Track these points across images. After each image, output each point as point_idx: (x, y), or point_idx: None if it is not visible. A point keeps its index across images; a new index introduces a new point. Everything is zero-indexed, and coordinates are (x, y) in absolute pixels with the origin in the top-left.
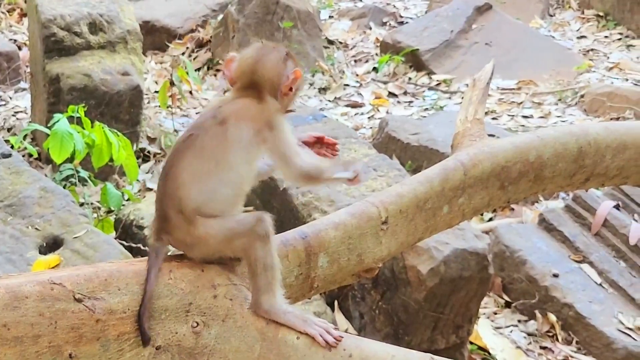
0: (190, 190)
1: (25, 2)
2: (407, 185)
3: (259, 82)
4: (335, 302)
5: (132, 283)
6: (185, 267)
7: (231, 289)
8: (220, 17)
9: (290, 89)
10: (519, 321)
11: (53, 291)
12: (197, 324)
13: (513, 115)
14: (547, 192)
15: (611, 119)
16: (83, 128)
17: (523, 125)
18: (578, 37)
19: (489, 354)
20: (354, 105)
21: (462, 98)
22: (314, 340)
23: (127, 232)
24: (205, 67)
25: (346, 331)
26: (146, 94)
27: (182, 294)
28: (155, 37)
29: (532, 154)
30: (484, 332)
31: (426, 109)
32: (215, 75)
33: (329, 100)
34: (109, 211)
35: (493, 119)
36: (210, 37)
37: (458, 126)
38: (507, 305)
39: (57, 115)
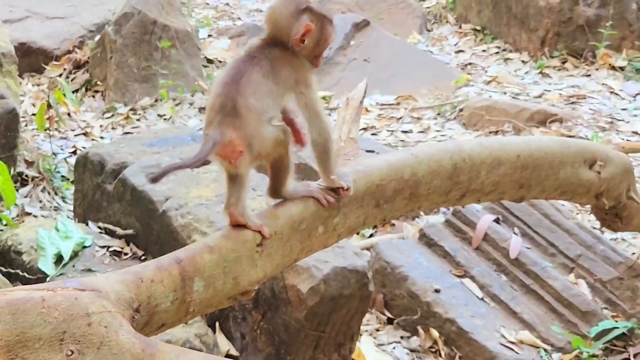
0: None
1: None
2: (282, 206)
3: (277, 34)
4: (217, 324)
5: (5, 313)
6: (59, 295)
7: (106, 316)
8: (97, 37)
9: (303, 41)
10: (402, 337)
11: None
12: (72, 352)
13: (392, 131)
14: (423, 209)
15: (490, 132)
16: None
17: (403, 140)
18: (456, 52)
19: None
20: None
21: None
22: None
23: (4, 258)
24: (84, 89)
25: (227, 352)
26: (23, 117)
27: (55, 323)
28: (32, 59)
29: (406, 172)
30: (366, 349)
31: None
32: (93, 96)
33: None
34: None
35: (373, 134)
36: (88, 58)
37: None
38: (390, 321)
39: None
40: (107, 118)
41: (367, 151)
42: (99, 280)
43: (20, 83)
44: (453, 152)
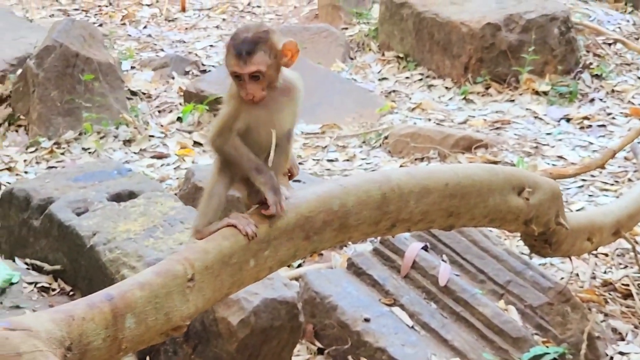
0: None
1: None
2: (212, 240)
3: None
4: (147, 358)
5: None
6: None
7: (37, 355)
8: (19, 71)
9: None
10: None
11: None
12: None
13: (318, 160)
14: (353, 239)
15: (416, 159)
16: None
17: (329, 169)
18: (380, 79)
19: None
20: (160, 157)
21: None
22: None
23: None
24: (7, 123)
25: None
26: None
27: None
28: None
29: (335, 203)
30: None
31: None
32: (16, 130)
33: (135, 152)
34: None
35: (299, 164)
36: (10, 92)
37: None
38: (320, 352)
39: None
40: (31, 152)
41: (294, 181)
42: (30, 319)
43: None
44: (381, 182)
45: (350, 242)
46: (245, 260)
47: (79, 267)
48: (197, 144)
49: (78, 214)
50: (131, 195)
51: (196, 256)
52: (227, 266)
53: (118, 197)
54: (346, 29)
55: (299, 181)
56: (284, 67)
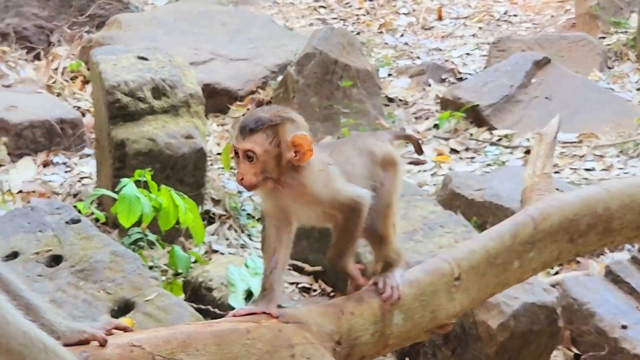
0: None
1: (88, 69)
2: (478, 241)
3: None
4: (406, 359)
5: (210, 344)
6: (263, 327)
7: (308, 347)
8: (279, 78)
9: None
10: None
11: (133, 353)
12: None
13: (575, 169)
14: (615, 244)
15: None
16: (149, 192)
17: (586, 179)
18: (637, 89)
19: None
20: (417, 163)
21: (525, 153)
22: None
23: (196, 294)
24: None
25: None
26: (209, 156)
27: (259, 354)
28: (216, 100)
29: (599, 207)
30: None
31: (488, 165)
32: None
33: None
34: (177, 274)
35: (556, 172)
36: (271, 98)
37: (526, 181)
38: (577, 357)
39: (124, 180)
40: None
41: None
42: (302, 313)
43: (206, 123)
44: None
45: (610, 248)
46: (510, 261)
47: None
48: (453, 151)
49: None
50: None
51: (463, 256)
52: (492, 266)
53: None
54: (604, 37)
55: (557, 189)
56: (299, 165)
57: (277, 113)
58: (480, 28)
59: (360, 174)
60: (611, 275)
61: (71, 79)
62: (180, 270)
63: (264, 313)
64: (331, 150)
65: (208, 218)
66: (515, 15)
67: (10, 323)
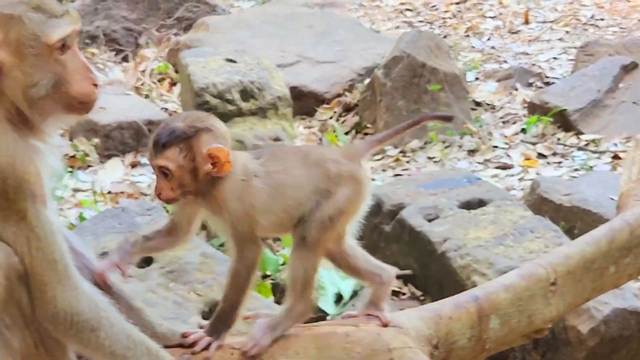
0: None
1: (177, 72)
2: (574, 246)
3: None
4: None
5: (310, 347)
6: (362, 331)
7: (407, 352)
8: (366, 81)
9: None
10: None
11: (233, 356)
12: None
13: None
14: None
15: None
16: None
17: None
18: None
19: None
20: (504, 167)
21: (612, 158)
22: None
23: (285, 296)
24: (354, 131)
25: None
26: None
27: (359, 357)
28: (303, 103)
29: None
30: None
31: (576, 169)
32: (363, 138)
33: (479, 162)
34: (265, 276)
35: None
36: (358, 101)
37: (622, 186)
38: None
39: None
40: (377, 160)
41: None
42: (400, 317)
43: (292, 126)
44: None
45: None
46: (606, 266)
47: (429, 273)
48: (541, 155)
49: (429, 220)
50: (481, 203)
51: (559, 261)
52: (588, 271)
53: (468, 205)
54: None
55: None
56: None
57: (192, 123)
58: (567, 32)
59: (299, 186)
60: None
61: (159, 80)
62: (268, 273)
63: (370, 315)
64: (267, 158)
65: None
66: (602, 19)
67: (114, 325)
